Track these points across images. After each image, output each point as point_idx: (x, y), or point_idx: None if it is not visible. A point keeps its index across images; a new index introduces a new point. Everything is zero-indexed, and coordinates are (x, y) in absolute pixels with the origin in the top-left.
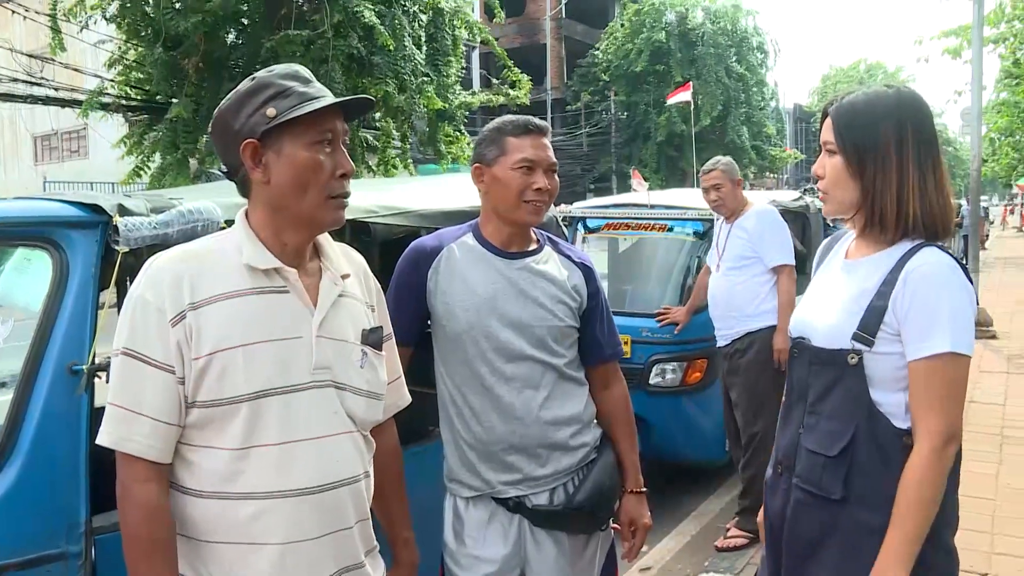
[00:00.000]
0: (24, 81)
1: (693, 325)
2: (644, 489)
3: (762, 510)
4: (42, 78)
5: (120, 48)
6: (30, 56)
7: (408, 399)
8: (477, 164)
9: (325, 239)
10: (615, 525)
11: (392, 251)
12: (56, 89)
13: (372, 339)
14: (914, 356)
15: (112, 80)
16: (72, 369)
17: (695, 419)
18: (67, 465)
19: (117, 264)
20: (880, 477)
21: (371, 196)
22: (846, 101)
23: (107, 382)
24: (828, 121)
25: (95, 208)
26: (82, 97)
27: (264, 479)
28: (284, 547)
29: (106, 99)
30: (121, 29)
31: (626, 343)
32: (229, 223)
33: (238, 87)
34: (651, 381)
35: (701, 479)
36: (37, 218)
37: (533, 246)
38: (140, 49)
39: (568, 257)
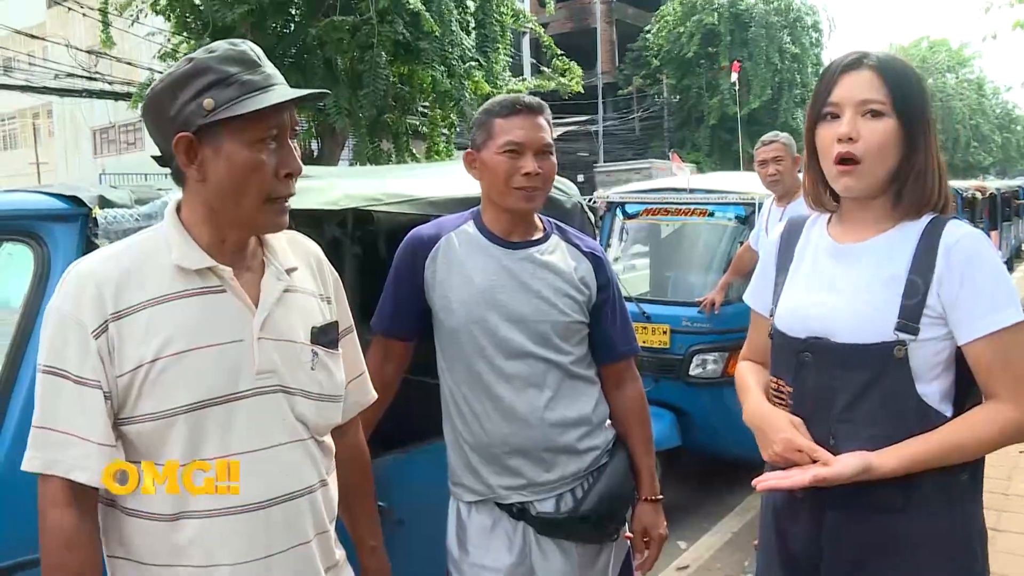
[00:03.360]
0: (81, 76)
1: (734, 314)
2: (660, 496)
3: (770, 539)
4: (97, 72)
5: (169, 40)
6: (88, 52)
7: (374, 396)
8: (469, 150)
9: None
10: (628, 534)
11: (399, 242)
12: (111, 83)
13: (324, 337)
14: (980, 333)
15: (163, 73)
16: None
17: (737, 412)
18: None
19: None
20: (937, 474)
21: (376, 183)
22: (888, 59)
23: None
24: (867, 78)
25: (75, 200)
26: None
27: (208, 496)
28: (234, 568)
29: None
30: (170, 21)
31: (665, 332)
32: None
33: (173, 69)
34: (691, 372)
35: (744, 474)
36: (16, 211)
37: (538, 235)
38: (191, 42)
39: (577, 246)
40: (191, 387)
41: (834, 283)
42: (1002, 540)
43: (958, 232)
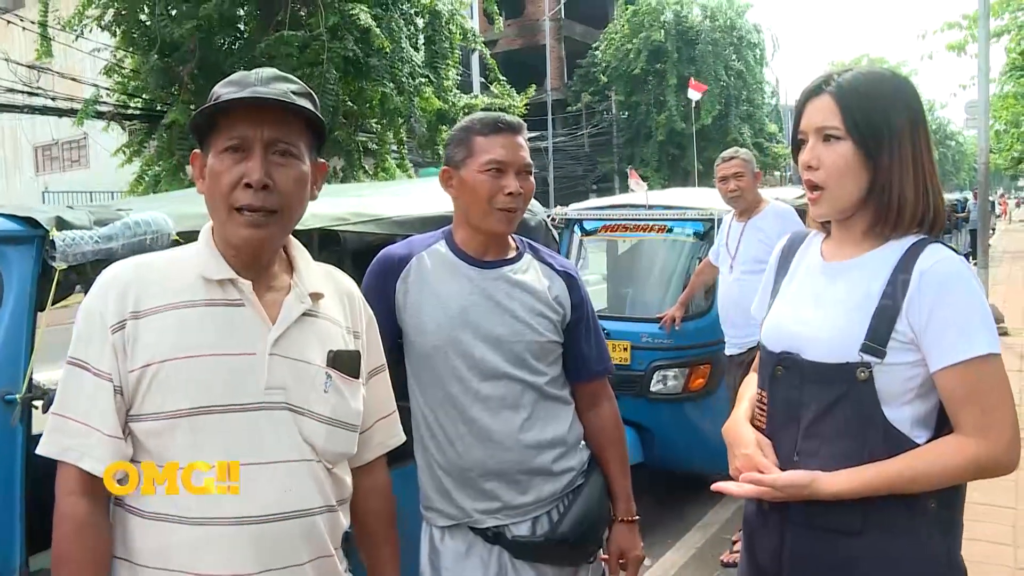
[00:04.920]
0: (22, 91)
1: (695, 330)
2: (636, 517)
3: (742, 554)
4: (39, 88)
5: (115, 56)
6: (29, 67)
7: (402, 438)
8: (445, 167)
9: (299, 254)
10: (603, 556)
11: (366, 263)
12: (53, 99)
13: (343, 363)
14: (947, 362)
15: (108, 88)
16: (5, 398)
17: (698, 427)
18: (0, 503)
19: (55, 283)
20: (900, 500)
21: (342, 203)
22: (847, 80)
23: (43, 412)
24: (824, 103)
25: (31, 222)
26: (80, 106)
27: (198, 503)
28: None
29: (103, 108)
30: (115, 36)
31: (626, 349)
32: (186, 236)
33: None
34: (652, 388)
35: (704, 489)
36: None
37: (511, 253)
38: (136, 57)
39: (550, 265)
40: (195, 391)
41: (817, 300)
42: None
43: (934, 257)
